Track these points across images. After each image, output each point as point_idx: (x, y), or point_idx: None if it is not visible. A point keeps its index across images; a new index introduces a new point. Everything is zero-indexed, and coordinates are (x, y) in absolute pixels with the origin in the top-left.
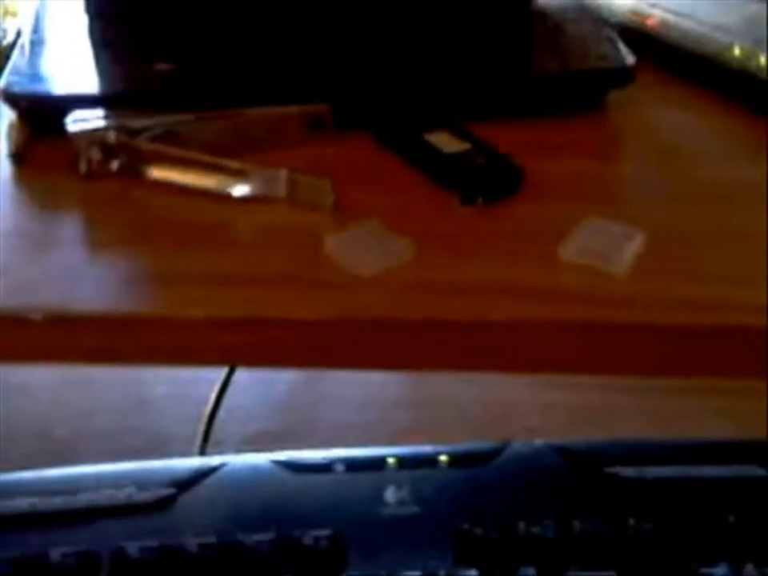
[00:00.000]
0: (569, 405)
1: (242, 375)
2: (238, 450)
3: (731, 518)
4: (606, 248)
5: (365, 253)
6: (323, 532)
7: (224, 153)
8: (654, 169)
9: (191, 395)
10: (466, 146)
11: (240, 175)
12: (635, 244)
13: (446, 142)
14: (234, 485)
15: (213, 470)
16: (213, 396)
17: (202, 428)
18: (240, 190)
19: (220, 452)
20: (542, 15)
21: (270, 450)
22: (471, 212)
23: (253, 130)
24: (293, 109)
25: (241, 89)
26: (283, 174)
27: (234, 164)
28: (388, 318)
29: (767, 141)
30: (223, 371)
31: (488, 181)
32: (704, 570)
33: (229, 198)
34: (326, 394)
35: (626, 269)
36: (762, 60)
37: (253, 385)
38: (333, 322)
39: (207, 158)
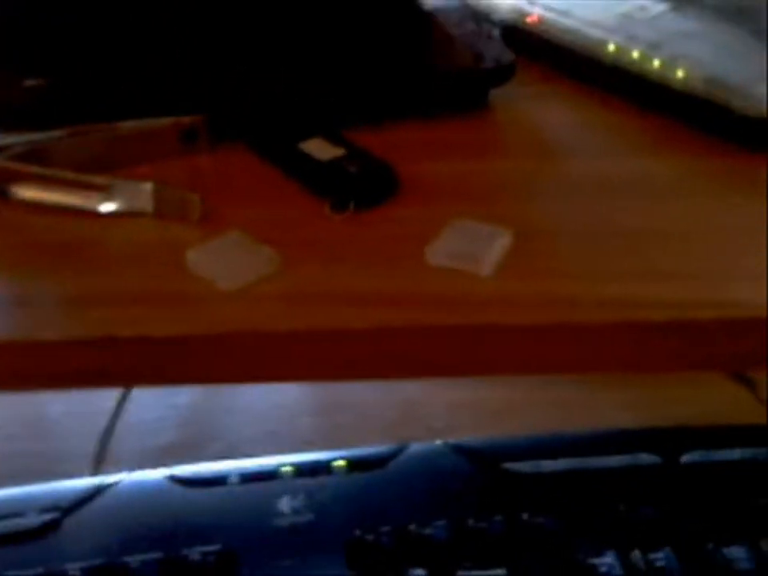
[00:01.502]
0: (474, 402)
1: (143, 389)
2: (138, 466)
3: (621, 507)
4: (472, 249)
5: (227, 265)
6: (212, 547)
7: (97, 168)
8: (531, 166)
9: (90, 412)
10: (341, 152)
11: (106, 191)
12: (503, 244)
13: (320, 149)
14: (125, 503)
15: (103, 489)
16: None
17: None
18: (107, 206)
19: (118, 470)
20: (423, 15)
21: (172, 464)
22: (343, 219)
23: (126, 143)
24: (166, 121)
25: (112, 103)
26: (148, 187)
27: (100, 179)
28: (249, 331)
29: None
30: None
31: (360, 186)
32: (592, 561)
33: (97, 214)
34: (230, 406)
35: (493, 269)
36: (635, 55)
37: (154, 399)
38: (191, 337)
39: (71, 175)
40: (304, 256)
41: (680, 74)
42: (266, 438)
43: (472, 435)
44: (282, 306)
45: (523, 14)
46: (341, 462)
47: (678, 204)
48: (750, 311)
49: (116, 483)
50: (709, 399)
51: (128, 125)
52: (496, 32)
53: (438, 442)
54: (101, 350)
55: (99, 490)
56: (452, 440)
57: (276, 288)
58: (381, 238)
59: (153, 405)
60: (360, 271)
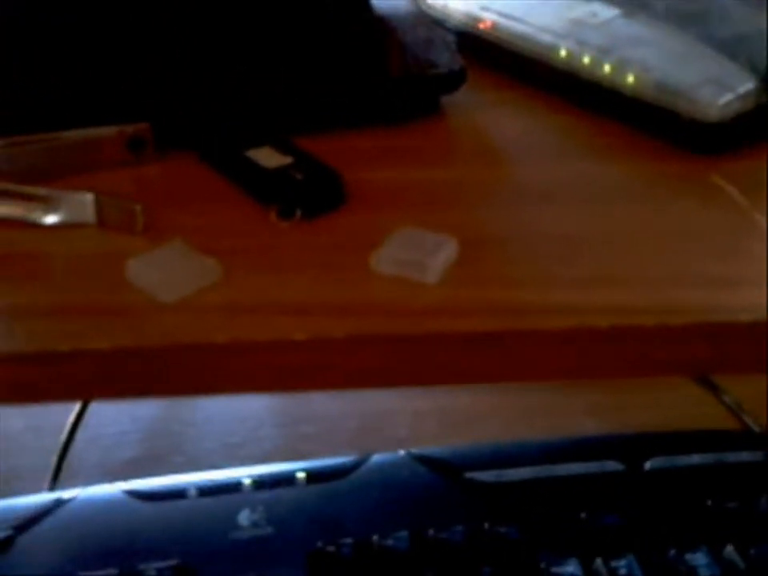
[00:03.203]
0: (439, 411)
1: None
2: (98, 481)
3: (583, 515)
4: (418, 257)
5: (168, 276)
6: (169, 562)
7: (38, 179)
8: (481, 173)
9: (49, 426)
10: (288, 159)
11: (47, 202)
12: (448, 251)
13: (267, 157)
14: (80, 519)
15: (58, 505)
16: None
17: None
18: (48, 217)
19: (76, 485)
20: (374, 21)
21: (134, 478)
22: (289, 227)
23: (68, 153)
24: (111, 129)
25: (54, 112)
26: (90, 198)
27: (41, 191)
28: (188, 344)
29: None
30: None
31: (307, 194)
32: (554, 569)
33: (38, 225)
34: (192, 418)
35: (439, 277)
36: (586, 60)
37: (115, 412)
38: (129, 350)
39: (12, 187)
40: (248, 265)
41: (630, 78)
42: (229, 451)
43: (437, 444)
44: (222, 317)
45: (476, 20)
46: (302, 474)
47: (626, 209)
48: (694, 317)
49: (72, 499)
50: (674, 403)
51: (69, 134)
52: (450, 38)
53: (401, 452)
54: (37, 365)
55: (54, 506)
56: (415, 450)
57: (217, 298)
58: (326, 246)
59: (114, 418)
60: (304, 280)
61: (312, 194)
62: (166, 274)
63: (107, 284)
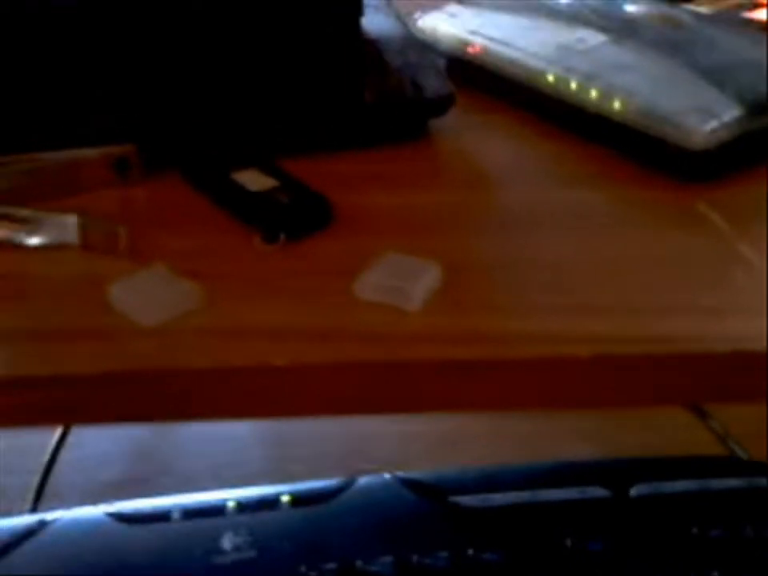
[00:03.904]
0: (426, 434)
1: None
2: (81, 502)
3: (568, 542)
4: (401, 283)
5: (149, 300)
6: None
7: (25, 200)
8: (467, 198)
9: (33, 446)
10: (274, 183)
11: (31, 223)
12: (431, 278)
13: (253, 180)
14: (63, 542)
15: (40, 527)
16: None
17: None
18: (32, 239)
19: (58, 507)
20: (363, 45)
21: (119, 500)
22: (274, 251)
23: (55, 174)
24: (97, 151)
25: (41, 132)
26: (73, 220)
27: (24, 212)
28: (167, 368)
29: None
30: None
31: (291, 217)
32: None
33: (22, 247)
34: (178, 439)
35: (420, 303)
36: (573, 86)
37: (101, 432)
38: (109, 375)
39: None
40: (230, 289)
41: (616, 105)
42: (215, 472)
43: (423, 467)
44: (202, 342)
45: (466, 44)
46: (286, 497)
47: (610, 236)
48: (675, 347)
49: (54, 521)
50: (661, 429)
51: (55, 155)
52: (439, 62)
53: (387, 475)
54: (16, 390)
55: (36, 529)
56: (401, 473)
57: (198, 323)
58: (309, 270)
59: (98, 438)
60: (285, 305)
61: (296, 217)
62: (147, 299)
63: (89, 307)
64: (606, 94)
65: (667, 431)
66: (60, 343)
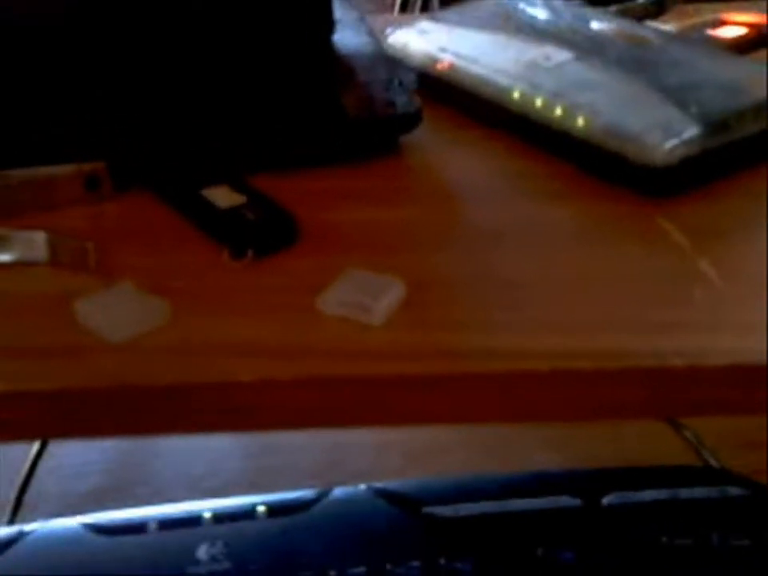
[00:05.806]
0: (402, 444)
1: None
2: (59, 514)
3: (539, 551)
4: (364, 299)
5: (116, 317)
6: None
7: None
8: (434, 214)
9: (10, 458)
10: (242, 199)
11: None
12: (394, 294)
13: (222, 197)
14: (39, 553)
15: (16, 539)
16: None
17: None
18: (1, 256)
19: (36, 518)
20: (332, 61)
21: (96, 511)
22: (240, 267)
23: (25, 191)
24: (67, 168)
25: (11, 149)
26: (41, 237)
27: None
28: (133, 385)
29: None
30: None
31: (259, 234)
32: None
33: None
34: (156, 449)
35: (383, 319)
36: (539, 103)
37: (78, 442)
38: (75, 391)
39: None
40: (197, 306)
41: (580, 122)
42: (191, 483)
43: (399, 477)
44: (169, 359)
45: (435, 61)
46: (262, 508)
47: (572, 252)
48: (631, 361)
49: (30, 533)
50: (634, 438)
51: (24, 172)
52: (409, 78)
53: (362, 486)
54: None
55: (12, 540)
56: (376, 483)
57: (165, 340)
58: (275, 287)
59: (76, 449)
60: (251, 321)
61: (263, 234)
62: (115, 315)
63: (56, 324)
64: (570, 112)
65: (641, 441)
66: (28, 359)
